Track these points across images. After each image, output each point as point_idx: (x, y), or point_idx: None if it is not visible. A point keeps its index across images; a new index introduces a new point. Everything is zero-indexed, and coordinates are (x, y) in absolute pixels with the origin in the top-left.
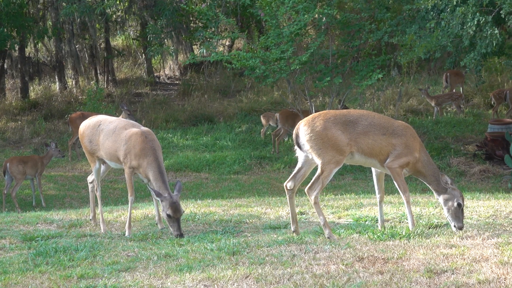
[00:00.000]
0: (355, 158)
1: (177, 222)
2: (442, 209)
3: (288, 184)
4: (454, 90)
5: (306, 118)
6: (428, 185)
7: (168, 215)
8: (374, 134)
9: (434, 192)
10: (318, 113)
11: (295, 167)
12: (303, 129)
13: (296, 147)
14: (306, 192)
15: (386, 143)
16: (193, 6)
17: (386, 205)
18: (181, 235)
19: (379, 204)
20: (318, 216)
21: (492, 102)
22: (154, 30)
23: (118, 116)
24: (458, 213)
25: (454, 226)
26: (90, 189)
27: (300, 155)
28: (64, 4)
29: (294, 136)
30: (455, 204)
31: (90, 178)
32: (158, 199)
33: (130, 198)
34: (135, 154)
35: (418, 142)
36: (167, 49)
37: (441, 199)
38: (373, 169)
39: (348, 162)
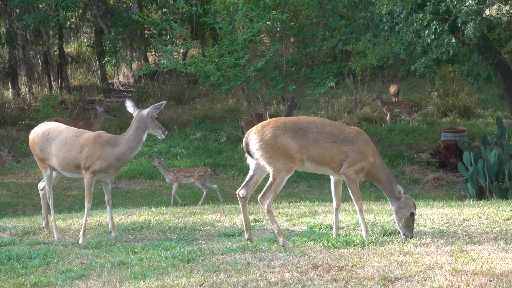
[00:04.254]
0: (306, 166)
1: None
2: (394, 216)
3: (241, 191)
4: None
5: (255, 127)
6: (382, 190)
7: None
8: (324, 142)
9: (388, 198)
10: (268, 121)
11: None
12: (253, 137)
13: (246, 155)
14: (258, 201)
15: (337, 151)
16: (145, 17)
17: (340, 212)
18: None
19: (335, 211)
20: (272, 225)
21: None
22: (111, 40)
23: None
24: (409, 222)
25: (404, 234)
26: (41, 196)
27: (251, 162)
28: (18, 10)
29: (244, 144)
30: (408, 214)
31: (41, 185)
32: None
33: (87, 205)
34: (97, 157)
35: (371, 147)
36: (123, 59)
37: (394, 206)
38: (331, 176)
39: (300, 169)
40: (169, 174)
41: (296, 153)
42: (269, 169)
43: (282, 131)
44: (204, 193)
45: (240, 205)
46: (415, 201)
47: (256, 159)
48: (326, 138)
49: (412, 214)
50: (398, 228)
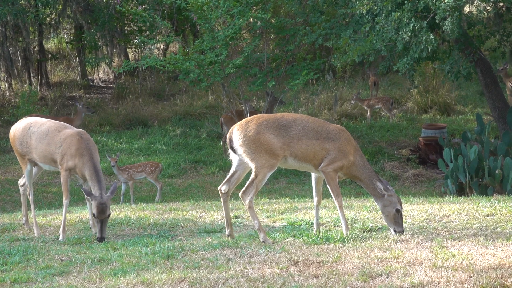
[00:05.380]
0: (289, 162)
1: (100, 224)
2: (381, 214)
3: (223, 187)
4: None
5: (239, 123)
6: (365, 189)
7: (93, 215)
8: (308, 138)
9: (372, 197)
10: (251, 117)
11: (229, 171)
12: (236, 133)
13: (230, 150)
14: (240, 196)
15: (320, 147)
16: (129, 8)
17: (321, 209)
18: (100, 239)
19: (316, 207)
20: (253, 220)
21: None
22: (91, 38)
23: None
24: (397, 218)
25: (394, 230)
26: (21, 193)
27: (234, 158)
28: None
29: (227, 140)
30: (393, 211)
31: (21, 181)
32: (89, 198)
33: (65, 201)
34: (71, 155)
35: (352, 145)
36: (103, 59)
37: (379, 205)
38: (312, 173)
39: (282, 166)
40: (123, 173)
41: (279, 150)
42: (252, 165)
43: (266, 128)
44: (158, 187)
45: (222, 201)
46: (399, 197)
47: (239, 154)
48: (309, 134)
49: (398, 211)
50: (387, 225)
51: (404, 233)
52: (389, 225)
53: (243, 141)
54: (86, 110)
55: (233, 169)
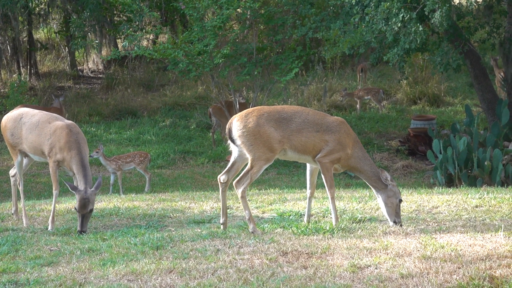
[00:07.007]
0: (288, 154)
1: (81, 218)
2: (380, 205)
3: (222, 177)
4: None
5: (239, 113)
6: (366, 181)
7: (75, 209)
8: (308, 131)
9: (372, 189)
10: (252, 108)
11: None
12: (235, 124)
13: (229, 141)
14: (234, 185)
15: (319, 139)
16: None
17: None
18: (80, 232)
19: (308, 199)
20: (244, 210)
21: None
22: (78, 23)
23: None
24: (398, 209)
25: (394, 221)
26: (12, 183)
27: (234, 149)
28: None
29: (227, 130)
30: (397, 201)
31: (12, 171)
32: (73, 192)
33: (54, 192)
34: (59, 148)
35: (352, 138)
36: (91, 43)
37: (381, 195)
38: (307, 164)
39: (282, 158)
40: (111, 164)
41: (278, 143)
42: (249, 156)
43: (266, 120)
44: (147, 178)
45: (220, 191)
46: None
47: (237, 145)
48: (309, 127)
49: (400, 201)
50: (386, 216)
51: (393, 224)
52: (390, 216)
53: (242, 132)
54: (60, 98)
55: (232, 159)
